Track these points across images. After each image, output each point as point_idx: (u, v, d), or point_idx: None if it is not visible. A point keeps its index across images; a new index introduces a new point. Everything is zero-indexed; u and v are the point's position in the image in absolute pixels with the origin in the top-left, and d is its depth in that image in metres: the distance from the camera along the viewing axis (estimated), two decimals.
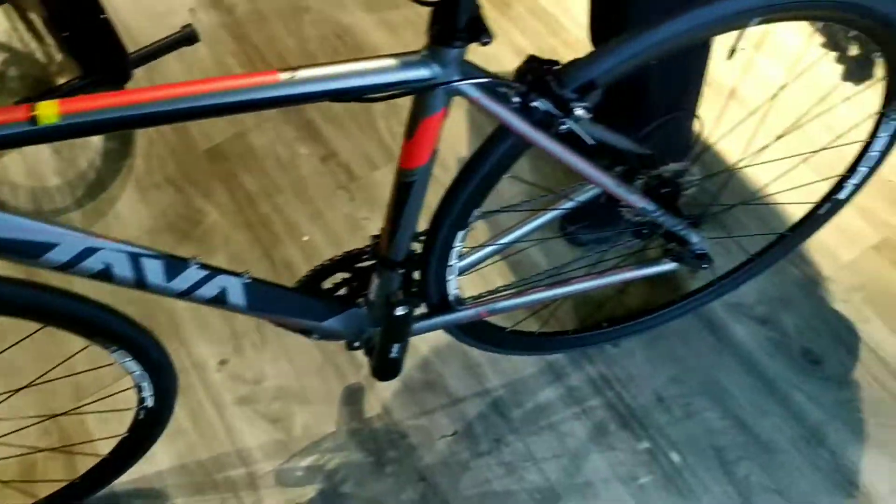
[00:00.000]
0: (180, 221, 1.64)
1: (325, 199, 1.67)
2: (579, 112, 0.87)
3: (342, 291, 1.15)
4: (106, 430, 1.37)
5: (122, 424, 1.35)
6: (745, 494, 1.32)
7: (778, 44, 1.75)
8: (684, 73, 1.33)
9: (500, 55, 1.84)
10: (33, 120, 0.71)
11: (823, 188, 1.34)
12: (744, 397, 1.41)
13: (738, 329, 1.48)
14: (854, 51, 1.79)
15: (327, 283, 1.14)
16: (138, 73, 1.84)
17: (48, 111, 0.72)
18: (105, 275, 0.88)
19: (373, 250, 1.07)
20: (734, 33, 0.95)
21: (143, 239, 1.61)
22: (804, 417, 1.39)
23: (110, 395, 1.35)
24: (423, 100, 0.84)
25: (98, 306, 0.97)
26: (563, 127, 0.89)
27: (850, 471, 1.33)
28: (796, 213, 1.44)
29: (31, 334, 1.05)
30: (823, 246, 1.56)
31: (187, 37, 1.90)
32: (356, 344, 1.22)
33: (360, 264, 1.13)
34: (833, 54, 1.80)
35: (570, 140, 0.93)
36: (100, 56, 1.70)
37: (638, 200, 1.06)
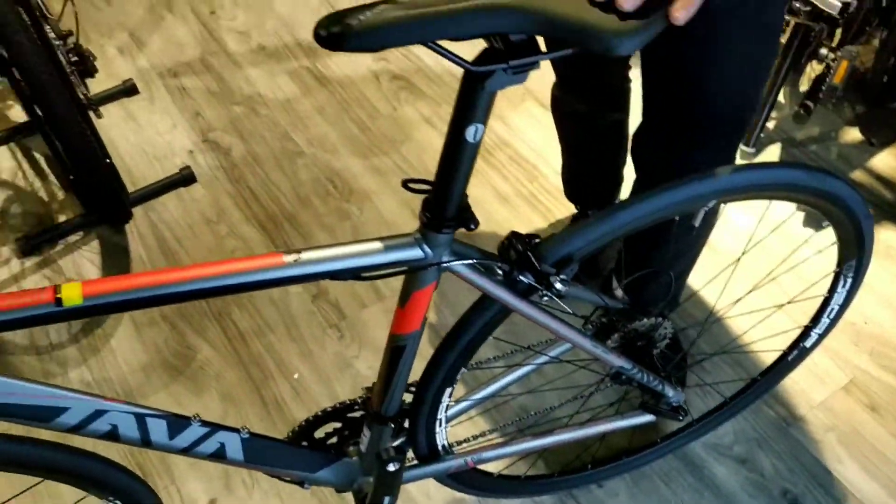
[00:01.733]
0: (174, 358, 1.69)
1: (315, 337, 1.72)
2: (558, 286, 0.95)
3: (333, 440, 1.19)
4: None
5: None
6: None
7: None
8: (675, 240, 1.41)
9: (483, 199, 1.95)
10: (59, 302, 0.77)
11: (793, 335, 1.42)
12: None
13: (718, 469, 1.52)
14: None
15: (319, 433, 1.19)
16: (137, 211, 1.93)
17: (72, 293, 0.78)
18: (112, 435, 0.92)
19: (364, 404, 1.12)
20: None
21: (137, 375, 1.65)
22: None
23: None
24: (415, 276, 0.92)
25: (96, 458, 1.01)
26: (544, 299, 0.96)
27: None
28: (768, 358, 1.52)
29: (28, 488, 1.08)
30: (797, 387, 1.63)
31: (185, 178, 2.00)
32: (344, 490, 1.25)
33: (351, 414, 1.17)
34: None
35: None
36: (103, 197, 1.79)
37: (615, 360, 1.12)
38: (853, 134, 2.15)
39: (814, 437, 1.57)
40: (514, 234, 0.97)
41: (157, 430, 0.95)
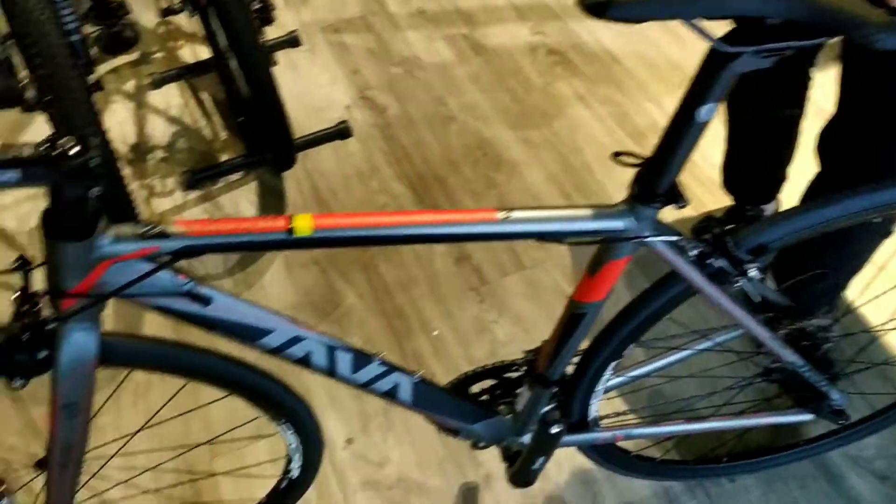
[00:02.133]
0: (321, 301, 1.77)
1: (456, 298, 1.77)
2: (752, 273, 0.95)
3: (485, 398, 1.23)
4: (236, 494, 1.47)
5: (254, 490, 1.45)
6: None
7: None
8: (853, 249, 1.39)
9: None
10: (290, 231, 0.83)
11: None
12: None
13: (856, 481, 1.49)
14: None
15: (474, 389, 1.23)
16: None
17: (304, 224, 0.83)
18: (304, 361, 0.98)
19: (528, 366, 1.15)
20: None
21: (287, 313, 1.73)
22: None
23: (252, 465, 1.46)
24: (613, 246, 0.93)
25: (279, 383, 1.08)
26: (736, 285, 0.96)
27: None
28: None
29: (214, 401, 1.16)
30: None
31: (342, 132, 2.07)
32: (482, 444, 1.29)
33: (508, 374, 1.21)
34: None
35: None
36: (272, 141, 1.87)
37: (788, 354, 1.11)
38: None
39: None
40: (709, 218, 0.98)
41: (343, 362, 1.01)
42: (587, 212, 0.89)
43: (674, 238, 0.92)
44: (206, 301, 0.88)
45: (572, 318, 1.03)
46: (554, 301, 1.75)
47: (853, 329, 1.60)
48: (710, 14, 0.70)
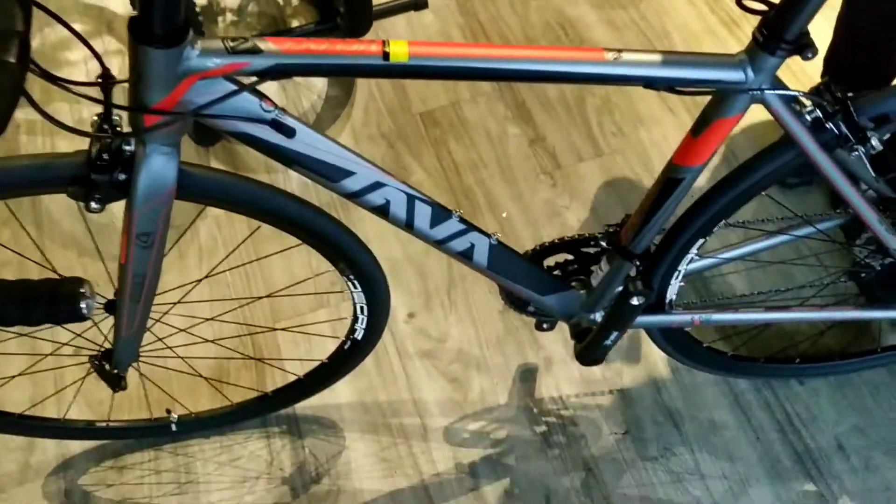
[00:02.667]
0: (391, 165, 1.72)
1: (527, 181, 1.71)
2: (874, 141, 0.87)
3: (557, 272, 1.19)
4: (301, 353, 1.47)
5: (316, 350, 1.45)
6: None
7: None
8: None
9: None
10: (386, 56, 0.77)
11: None
12: None
13: None
14: None
15: (549, 261, 1.18)
16: None
17: (400, 50, 0.78)
18: (383, 210, 0.94)
19: (609, 238, 1.09)
20: None
21: None
22: None
23: (321, 322, 1.45)
24: (724, 101, 0.86)
25: (352, 234, 1.04)
26: (854, 154, 0.89)
27: None
28: None
29: (284, 250, 1.14)
30: None
31: (418, 3, 1.97)
32: (545, 326, 1.26)
33: (585, 249, 1.16)
34: None
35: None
36: (345, 7, 1.79)
37: (894, 242, 1.04)
38: None
39: None
40: (829, 82, 0.89)
41: (422, 214, 0.97)
42: (703, 58, 0.82)
43: (794, 93, 0.84)
44: (290, 132, 0.84)
45: (668, 183, 0.96)
46: (630, 190, 1.68)
47: None
48: None
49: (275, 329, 1.49)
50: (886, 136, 0.90)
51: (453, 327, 1.52)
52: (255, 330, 1.49)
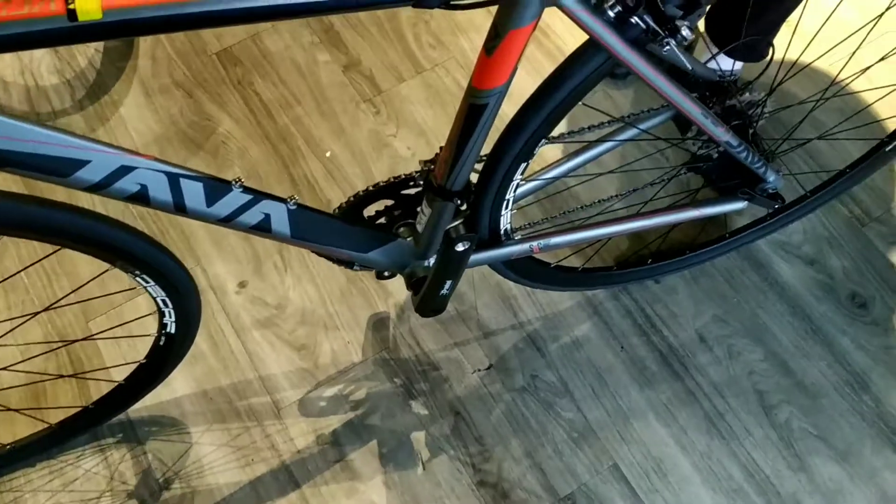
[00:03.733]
0: (191, 130, 1.52)
1: (347, 112, 1.55)
2: (685, 32, 0.77)
3: (382, 220, 1.06)
4: (119, 356, 1.30)
5: (135, 350, 1.29)
6: (786, 439, 1.28)
7: None
8: None
9: None
10: (72, 15, 0.59)
11: (892, 125, 1.26)
12: (788, 340, 1.36)
13: (784, 269, 1.42)
14: None
15: (368, 211, 1.05)
16: None
17: (89, 6, 0.60)
18: (141, 197, 0.78)
19: (425, 178, 0.97)
20: None
21: (152, 147, 1.49)
22: (848, 362, 1.34)
23: (128, 322, 1.28)
24: (513, 9, 0.73)
25: (121, 227, 0.87)
26: (666, 48, 0.78)
27: (894, 418, 1.30)
28: (855, 151, 1.36)
29: (46, 256, 0.96)
30: (873, 186, 1.49)
31: None
32: (386, 274, 1.14)
33: (405, 191, 1.03)
34: None
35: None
36: None
37: (723, 134, 0.96)
38: None
39: (890, 239, 1.45)
40: None
41: (193, 193, 0.81)
42: None
43: None
44: None
45: (472, 111, 0.84)
46: (457, 103, 1.55)
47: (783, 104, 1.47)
48: None
49: (76, 341, 1.30)
50: (698, 21, 0.80)
51: (291, 289, 1.38)
52: (58, 344, 1.30)
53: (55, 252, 0.88)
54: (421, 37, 1.63)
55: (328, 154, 1.50)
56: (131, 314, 1.31)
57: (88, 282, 1.07)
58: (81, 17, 0.60)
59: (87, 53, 1.61)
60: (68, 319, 1.32)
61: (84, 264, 1.34)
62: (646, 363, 1.33)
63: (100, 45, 1.62)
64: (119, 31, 0.62)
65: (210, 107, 1.55)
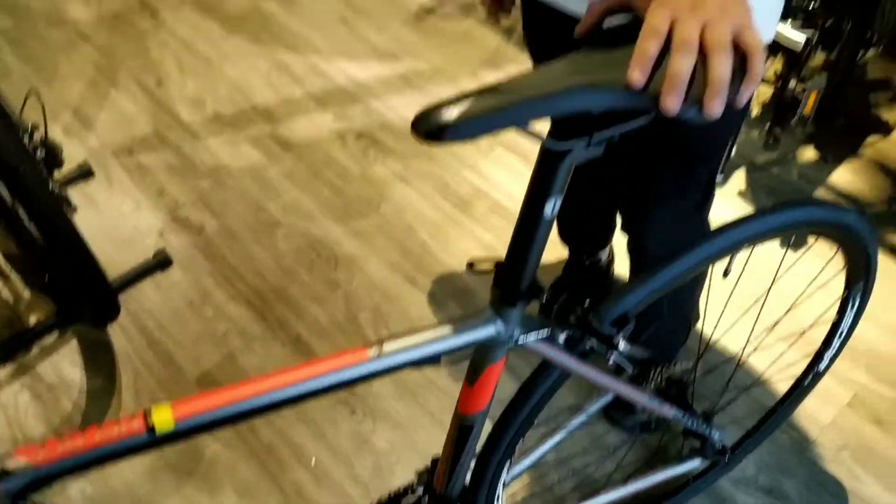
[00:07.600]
0: (180, 458, 1.60)
1: (325, 415, 1.67)
2: (621, 345, 0.95)
3: None
4: None
5: None
6: None
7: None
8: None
9: (469, 251, 1.94)
10: (151, 430, 0.72)
11: (804, 364, 1.46)
12: None
13: (745, 500, 1.54)
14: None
15: None
16: None
17: (163, 418, 0.73)
18: None
19: (426, 489, 1.09)
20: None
21: (145, 482, 1.56)
22: None
23: None
24: (488, 352, 0.90)
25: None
26: (611, 360, 0.96)
27: None
28: (781, 389, 1.56)
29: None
30: (805, 410, 1.67)
31: (160, 262, 1.93)
32: None
33: (406, 500, 1.14)
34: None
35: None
36: (83, 293, 1.70)
37: (667, 410, 1.13)
38: (808, 153, 2.26)
39: (829, 457, 1.61)
40: (569, 298, 0.97)
41: None
42: (457, 326, 0.86)
43: (544, 332, 0.90)
44: None
45: (461, 432, 0.98)
46: (426, 394, 1.70)
47: (715, 362, 1.68)
48: (539, 116, 0.69)
49: None
50: (629, 332, 0.99)
51: None
52: None
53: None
54: (382, 335, 1.81)
55: (313, 461, 1.59)
56: None
57: None
58: (160, 431, 0.73)
59: (72, 396, 1.71)
60: None
61: None
62: None
63: (82, 385, 1.73)
64: (187, 435, 0.75)
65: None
